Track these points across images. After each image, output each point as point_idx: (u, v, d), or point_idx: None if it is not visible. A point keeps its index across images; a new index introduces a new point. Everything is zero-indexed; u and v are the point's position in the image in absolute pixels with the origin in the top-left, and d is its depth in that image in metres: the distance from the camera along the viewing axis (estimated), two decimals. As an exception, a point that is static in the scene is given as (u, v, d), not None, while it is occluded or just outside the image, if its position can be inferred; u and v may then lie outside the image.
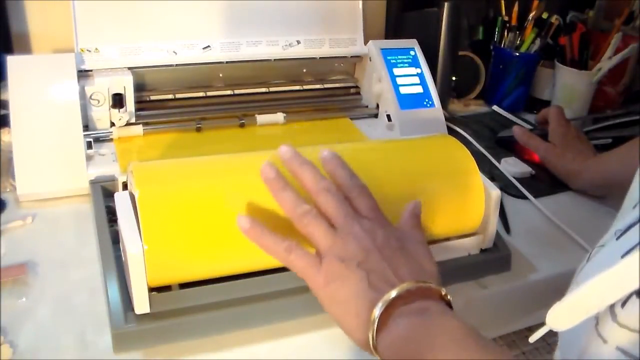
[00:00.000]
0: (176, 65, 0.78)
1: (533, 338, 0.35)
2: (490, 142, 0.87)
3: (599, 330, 0.33)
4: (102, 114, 0.72)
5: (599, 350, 0.33)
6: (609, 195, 0.73)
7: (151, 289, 0.46)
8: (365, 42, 0.86)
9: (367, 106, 0.87)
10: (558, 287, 0.61)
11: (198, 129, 0.76)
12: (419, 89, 0.82)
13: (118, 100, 0.71)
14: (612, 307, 0.32)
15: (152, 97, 0.77)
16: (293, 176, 0.45)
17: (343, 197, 0.44)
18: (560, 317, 0.33)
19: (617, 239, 0.36)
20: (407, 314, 0.38)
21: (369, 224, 0.43)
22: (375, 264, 0.40)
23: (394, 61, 0.83)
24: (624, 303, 0.31)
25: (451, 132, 0.86)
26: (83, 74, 0.71)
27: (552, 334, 0.68)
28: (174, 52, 0.77)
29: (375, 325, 0.38)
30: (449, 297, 0.40)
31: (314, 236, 0.42)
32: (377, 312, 0.38)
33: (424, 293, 0.39)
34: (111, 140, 0.73)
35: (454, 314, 0.39)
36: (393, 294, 0.38)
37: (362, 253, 0.41)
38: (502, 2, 0.99)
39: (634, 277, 0.30)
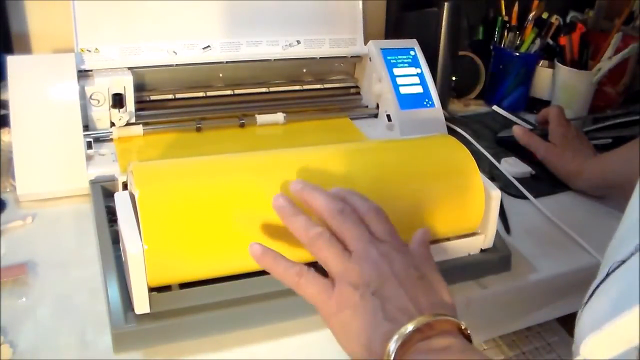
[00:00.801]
0: (176, 65, 0.78)
1: None
2: (490, 142, 0.87)
3: None
4: (102, 114, 0.72)
5: None
6: (609, 196, 0.73)
7: (151, 289, 0.46)
8: (365, 42, 0.86)
9: (367, 106, 0.87)
10: (558, 287, 0.62)
11: (198, 129, 0.76)
12: (419, 89, 0.82)
13: (118, 100, 0.71)
14: None
15: (152, 97, 0.77)
16: (305, 204, 0.43)
17: (359, 219, 0.41)
18: (598, 347, 0.31)
19: None
20: (427, 352, 0.35)
21: (386, 248, 0.40)
22: (392, 291, 0.37)
23: (394, 61, 0.83)
24: None
25: (451, 132, 0.86)
26: (83, 74, 0.71)
27: (552, 334, 0.68)
28: (174, 52, 0.77)
29: None
30: (468, 331, 0.37)
31: (327, 260, 0.40)
32: (392, 346, 0.35)
33: (443, 327, 0.36)
34: (111, 140, 0.73)
35: (475, 350, 0.36)
36: (410, 327, 0.35)
37: (378, 279, 0.38)
38: (502, 2, 0.99)
39: None
